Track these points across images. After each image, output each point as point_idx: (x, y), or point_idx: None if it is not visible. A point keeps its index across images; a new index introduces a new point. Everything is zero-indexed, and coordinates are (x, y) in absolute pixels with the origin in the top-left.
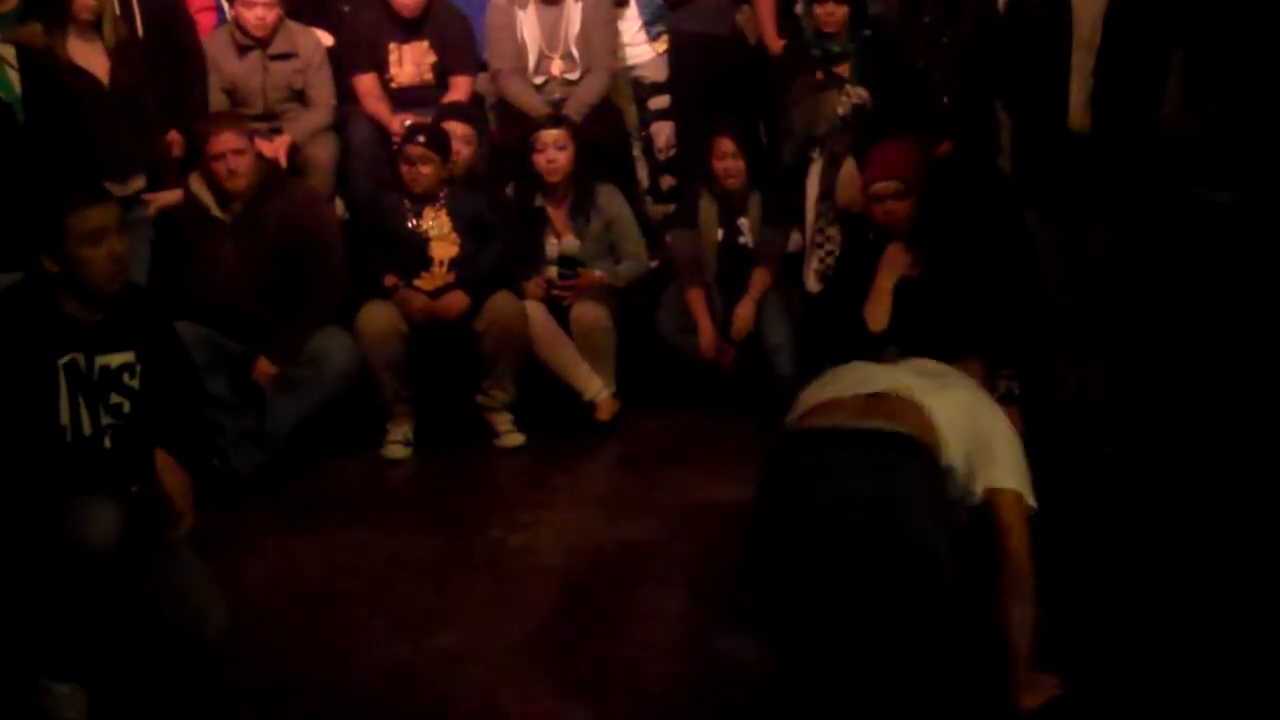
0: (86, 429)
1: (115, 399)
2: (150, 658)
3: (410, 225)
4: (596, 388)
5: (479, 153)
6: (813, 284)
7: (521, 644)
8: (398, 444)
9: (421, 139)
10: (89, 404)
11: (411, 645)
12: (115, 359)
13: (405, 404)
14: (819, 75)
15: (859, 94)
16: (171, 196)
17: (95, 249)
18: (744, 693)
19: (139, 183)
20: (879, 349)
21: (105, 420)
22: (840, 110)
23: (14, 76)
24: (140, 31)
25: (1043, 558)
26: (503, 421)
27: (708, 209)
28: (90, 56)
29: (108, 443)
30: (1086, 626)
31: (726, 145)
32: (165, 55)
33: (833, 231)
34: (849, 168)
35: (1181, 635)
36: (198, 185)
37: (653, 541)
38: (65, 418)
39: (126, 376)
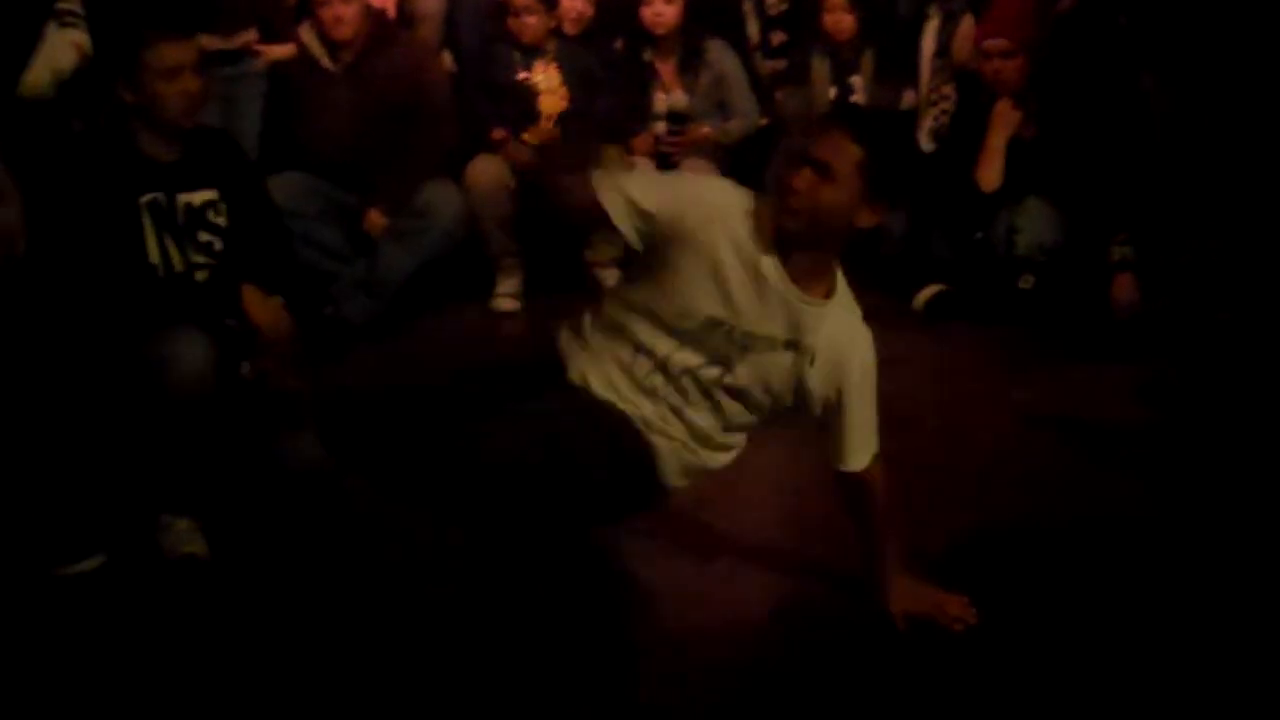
0: (178, 266)
1: (204, 237)
2: (259, 493)
3: (519, 77)
4: None
5: (594, 11)
6: (926, 143)
7: None
8: (507, 296)
9: None
10: (177, 242)
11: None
12: (197, 197)
13: (513, 257)
14: None
15: None
16: (283, 50)
17: (169, 84)
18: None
19: (249, 35)
20: (992, 209)
21: (196, 258)
22: None
23: None
24: None
25: (1153, 423)
26: (610, 276)
27: (819, 66)
28: None
29: (200, 278)
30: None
31: None
32: None
33: (948, 90)
34: (966, 24)
35: None
36: (308, 36)
37: None
38: (155, 256)
39: (212, 214)
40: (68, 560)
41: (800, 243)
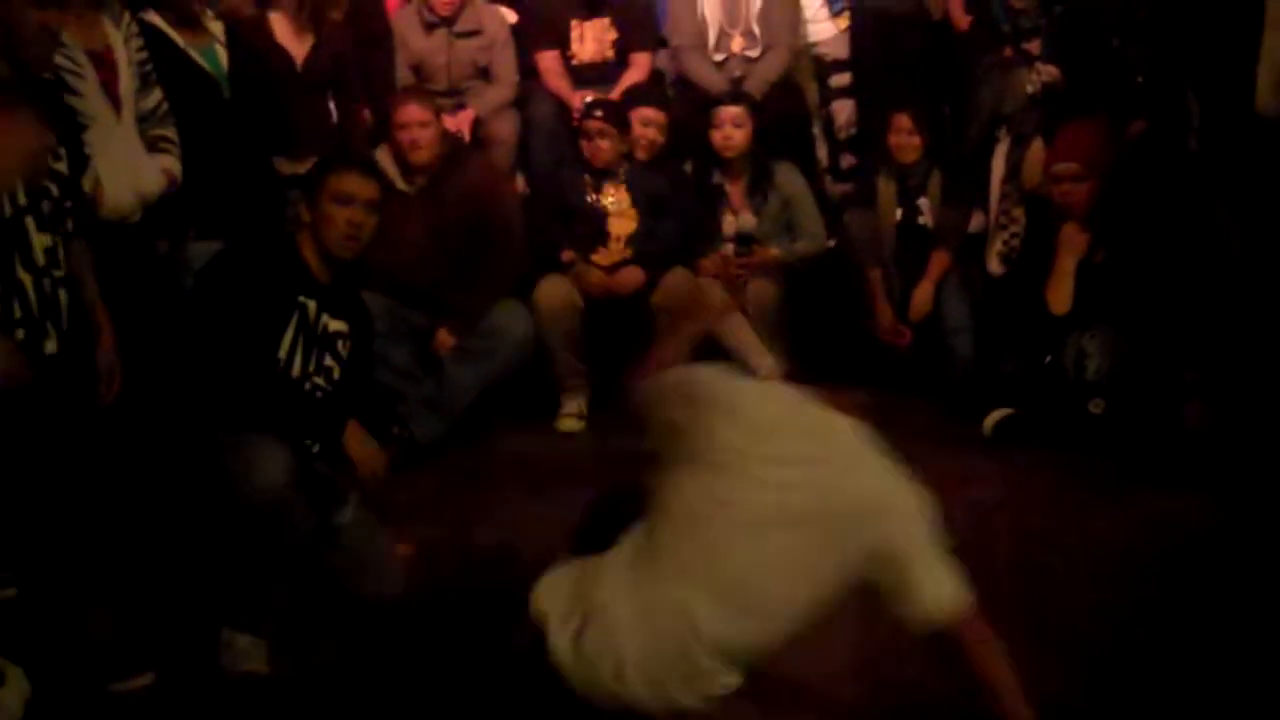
0: (297, 373)
1: (329, 361)
2: (327, 617)
3: (590, 200)
4: (769, 365)
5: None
6: (995, 266)
7: None
8: (571, 417)
9: (599, 113)
10: (305, 353)
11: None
12: (334, 324)
13: (580, 378)
14: (1008, 52)
15: (1049, 71)
16: None
17: (339, 209)
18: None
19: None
20: (1062, 332)
21: (316, 379)
22: (1029, 88)
23: (222, 53)
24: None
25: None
26: None
27: (886, 188)
28: (289, 35)
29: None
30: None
31: (903, 121)
32: (356, 34)
33: (1018, 213)
34: (1036, 148)
35: None
36: (383, 158)
37: None
38: (284, 350)
39: (340, 344)
40: (121, 676)
41: None
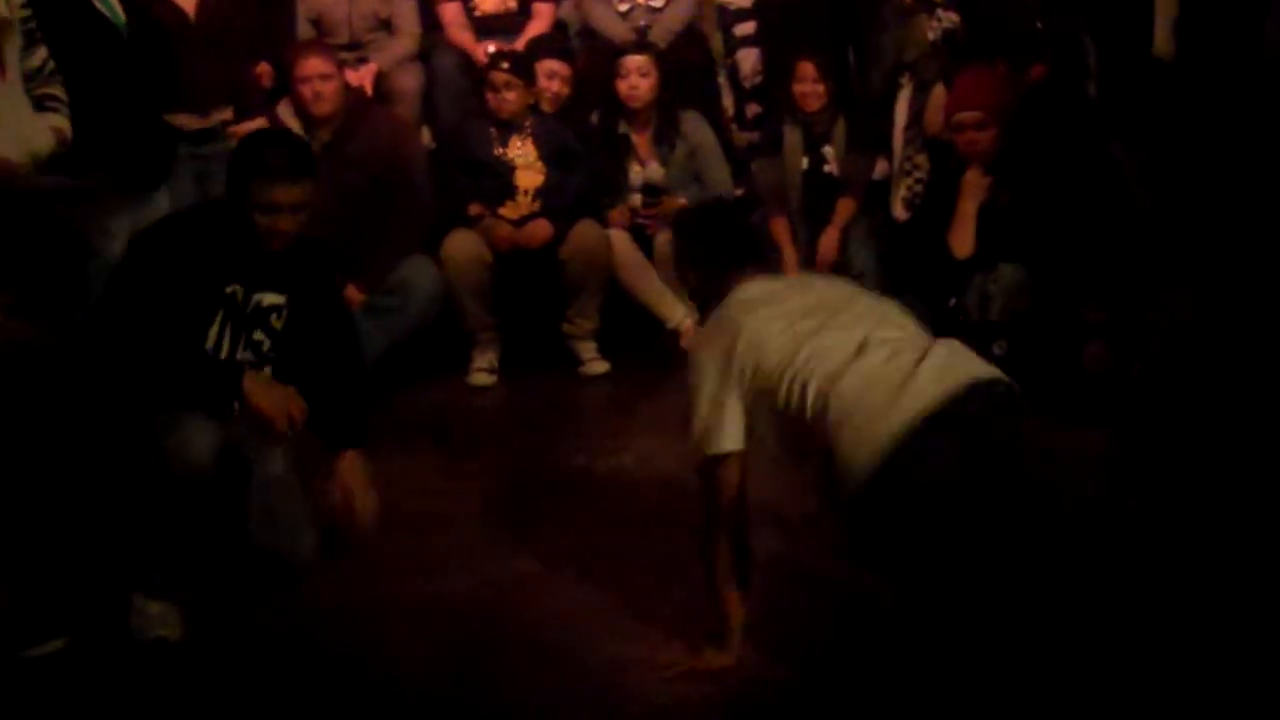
0: (224, 354)
1: (258, 335)
2: (238, 577)
3: (496, 153)
4: (680, 315)
5: (570, 88)
6: (900, 212)
7: (606, 570)
8: (483, 371)
9: (506, 65)
10: (233, 334)
11: (496, 570)
12: (269, 298)
13: (490, 332)
14: None
15: (950, 18)
16: (253, 126)
17: (263, 217)
18: (835, 614)
19: (224, 114)
20: (965, 275)
21: (243, 354)
22: (930, 35)
23: (117, 4)
24: None
25: (1127, 488)
26: (587, 349)
27: (791, 137)
28: None
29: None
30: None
31: (808, 70)
32: None
33: (920, 159)
34: (938, 94)
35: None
36: (285, 114)
37: None
38: (211, 340)
39: (274, 318)
40: (32, 641)
41: None
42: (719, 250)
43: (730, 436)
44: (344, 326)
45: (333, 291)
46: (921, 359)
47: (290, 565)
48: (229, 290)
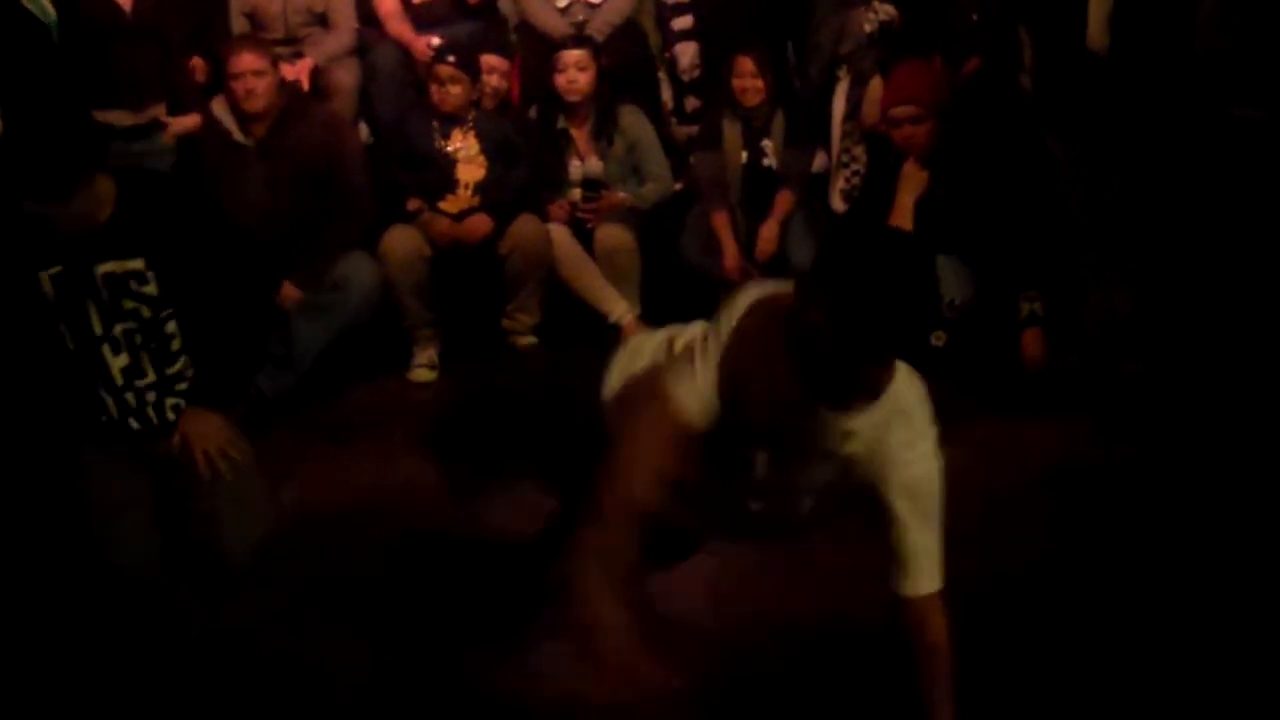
0: (99, 332)
1: (128, 304)
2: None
3: (438, 146)
4: (621, 310)
5: (510, 84)
6: (838, 204)
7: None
8: (423, 367)
9: (452, 59)
10: (100, 310)
11: (439, 566)
12: (115, 266)
13: (430, 327)
14: None
15: (886, 10)
16: (189, 122)
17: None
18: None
19: (158, 109)
20: None
21: (117, 329)
22: (867, 27)
23: (46, 1)
24: None
25: (1061, 477)
26: (526, 343)
27: (731, 130)
28: None
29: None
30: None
31: (746, 65)
32: None
33: (858, 151)
34: (875, 86)
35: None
36: (220, 110)
37: None
38: (97, 327)
39: (134, 283)
40: None
41: None
42: None
43: None
44: (215, 286)
45: (202, 249)
46: None
47: (225, 566)
48: (53, 272)
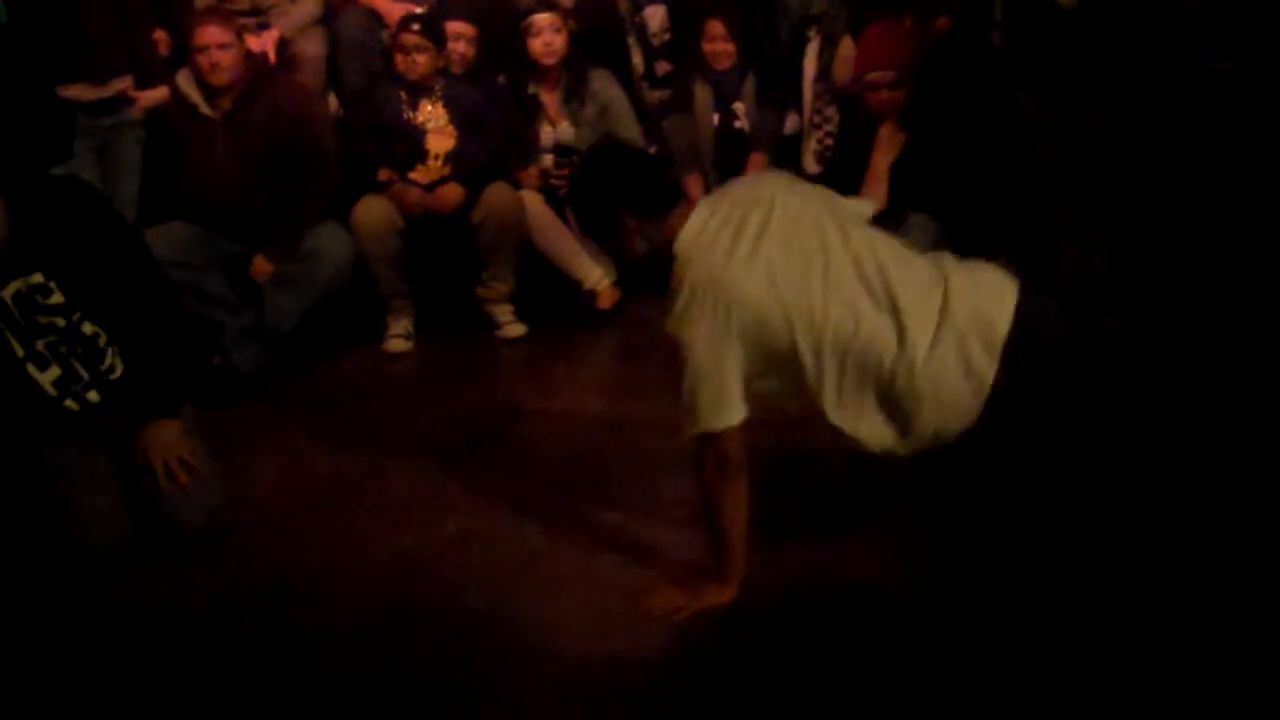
0: (21, 354)
1: (42, 320)
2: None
3: (406, 117)
4: (596, 276)
5: (479, 51)
6: (811, 165)
7: (527, 532)
8: (398, 338)
9: (417, 27)
10: (16, 331)
11: (417, 536)
12: (19, 284)
13: (404, 298)
14: None
15: None
16: (156, 95)
17: None
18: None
19: (123, 83)
20: (879, 229)
21: (40, 341)
22: None
23: None
24: None
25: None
26: (503, 312)
27: (702, 94)
28: None
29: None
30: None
31: (716, 28)
32: None
33: (830, 112)
34: (846, 46)
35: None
36: (186, 83)
37: (655, 426)
38: (18, 350)
39: (40, 297)
40: None
41: None
42: (631, 201)
43: (737, 409)
44: (137, 290)
45: (110, 256)
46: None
47: (181, 536)
48: None
